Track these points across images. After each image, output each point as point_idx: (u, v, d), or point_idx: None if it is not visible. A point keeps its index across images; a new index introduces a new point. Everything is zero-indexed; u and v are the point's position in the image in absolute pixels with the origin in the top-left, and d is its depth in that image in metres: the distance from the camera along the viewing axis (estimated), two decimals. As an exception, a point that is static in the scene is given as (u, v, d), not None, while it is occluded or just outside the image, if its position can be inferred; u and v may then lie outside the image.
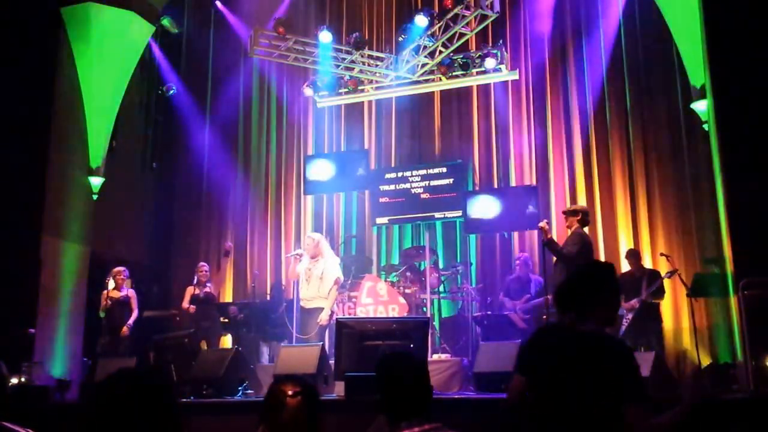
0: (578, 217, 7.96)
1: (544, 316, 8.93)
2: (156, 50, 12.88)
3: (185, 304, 10.18)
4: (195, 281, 10.32)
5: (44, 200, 10.04)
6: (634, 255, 9.52)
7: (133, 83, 11.80)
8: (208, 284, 10.43)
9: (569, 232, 8.09)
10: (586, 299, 3.20)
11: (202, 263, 10.62)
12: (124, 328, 9.80)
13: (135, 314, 9.99)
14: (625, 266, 9.77)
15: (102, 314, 9.87)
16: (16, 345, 8.90)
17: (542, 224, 7.96)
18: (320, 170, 11.71)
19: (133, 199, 12.66)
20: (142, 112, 13.06)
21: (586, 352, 3.02)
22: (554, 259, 7.98)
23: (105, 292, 9.93)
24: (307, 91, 12.20)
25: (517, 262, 10.20)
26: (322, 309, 8.63)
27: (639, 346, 8.82)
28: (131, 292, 10.09)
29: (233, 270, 12.88)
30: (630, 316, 8.93)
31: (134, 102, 12.54)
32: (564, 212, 8.35)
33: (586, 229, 8.19)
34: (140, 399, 2.01)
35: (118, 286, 9.99)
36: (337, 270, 8.90)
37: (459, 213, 10.74)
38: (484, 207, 10.49)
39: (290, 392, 2.58)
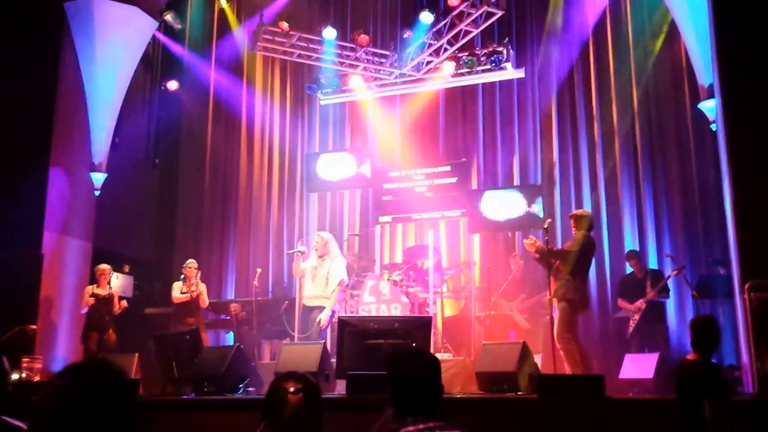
0: (582, 222, 7.91)
1: (547, 317, 8.87)
2: (159, 46, 12.84)
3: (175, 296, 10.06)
4: (182, 278, 10.10)
5: (46, 195, 10.00)
6: (635, 256, 9.47)
7: (135, 79, 11.76)
8: (195, 283, 10.18)
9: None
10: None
11: (190, 260, 10.35)
12: (122, 302, 9.89)
13: (117, 310, 9.95)
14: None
15: (83, 310, 9.86)
16: (17, 340, 8.86)
17: (528, 243, 7.90)
18: (323, 168, 11.68)
19: (136, 196, 12.62)
20: (145, 108, 13.02)
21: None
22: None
23: (90, 288, 9.87)
24: (311, 89, 12.17)
25: (515, 257, 10.14)
26: (323, 308, 8.59)
27: (645, 348, 8.77)
28: (113, 292, 9.99)
29: (236, 267, 12.84)
30: (636, 317, 8.87)
31: (137, 97, 12.50)
32: (570, 217, 8.30)
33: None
34: (88, 397, 1.91)
35: (102, 284, 9.90)
36: (342, 272, 8.86)
37: (463, 212, 10.70)
38: (488, 206, 10.44)
39: (292, 389, 2.55)
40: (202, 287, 10.14)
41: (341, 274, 8.79)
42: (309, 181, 12.03)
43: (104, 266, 10.00)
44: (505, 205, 10.33)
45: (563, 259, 7.63)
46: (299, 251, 9.10)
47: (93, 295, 9.79)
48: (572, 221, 8.06)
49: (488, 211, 10.42)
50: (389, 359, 3.00)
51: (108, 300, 9.84)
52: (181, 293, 9.93)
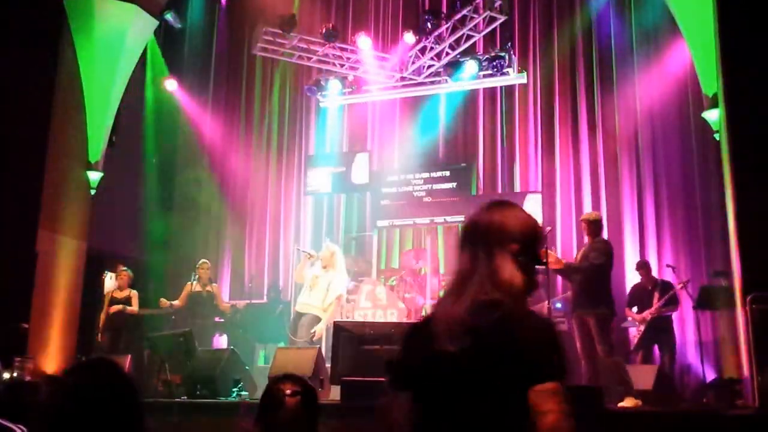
0: (596, 226, 7.77)
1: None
2: (158, 45, 12.77)
3: (179, 302, 10.01)
4: (196, 278, 10.10)
5: (42, 194, 9.91)
6: (644, 266, 9.34)
7: (134, 77, 11.68)
8: (212, 283, 10.27)
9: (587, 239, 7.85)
10: None
11: (204, 260, 10.40)
12: (123, 307, 9.89)
13: (134, 311, 9.99)
14: (630, 276, 9.67)
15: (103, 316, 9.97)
16: (9, 339, 8.78)
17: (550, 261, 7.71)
18: (321, 171, 11.63)
19: (132, 195, 12.53)
20: (143, 107, 12.94)
21: None
22: None
23: (108, 293, 9.97)
24: (311, 90, 12.12)
25: None
26: (315, 315, 8.48)
27: (651, 359, 8.69)
28: (133, 292, 10.10)
29: (231, 270, 12.75)
30: (641, 328, 8.79)
31: (135, 96, 12.42)
32: (583, 221, 8.09)
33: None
34: (94, 393, 1.93)
35: (122, 286, 10.03)
36: (343, 287, 8.79)
37: (462, 217, 10.63)
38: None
39: (289, 391, 2.50)
40: (215, 288, 10.32)
41: (341, 289, 8.71)
42: (306, 183, 12.03)
43: (122, 268, 10.23)
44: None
45: (592, 273, 7.42)
46: (308, 253, 9.03)
47: (112, 298, 9.89)
48: (585, 225, 7.83)
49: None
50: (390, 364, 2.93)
51: (124, 302, 9.93)
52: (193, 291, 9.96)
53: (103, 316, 10.03)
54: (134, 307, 10.04)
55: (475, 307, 1.93)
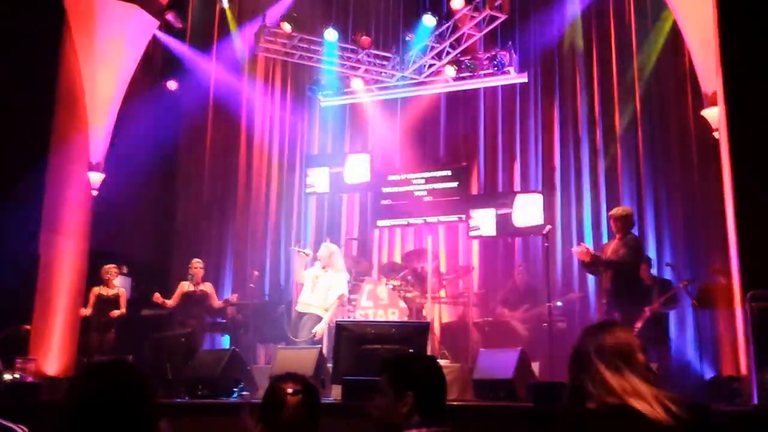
0: (626, 222, 7.74)
1: (545, 324, 8.79)
2: (159, 45, 12.77)
3: (172, 302, 10.00)
4: (190, 277, 10.10)
5: (43, 195, 9.93)
6: (647, 262, 9.34)
7: (135, 78, 11.68)
8: (204, 282, 10.25)
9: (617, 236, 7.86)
10: None
11: (196, 260, 10.39)
12: (116, 312, 9.87)
13: (121, 312, 9.98)
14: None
15: (84, 310, 9.96)
16: (11, 340, 8.80)
17: (580, 251, 7.68)
18: (322, 170, 11.64)
19: (134, 196, 12.52)
20: (144, 108, 12.94)
21: None
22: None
23: (96, 288, 9.96)
24: (312, 90, 12.13)
25: (520, 267, 10.07)
26: (317, 315, 8.50)
27: (647, 356, 8.66)
28: (121, 290, 10.08)
29: (233, 269, 12.77)
30: (639, 325, 8.77)
31: (136, 97, 12.41)
32: (611, 217, 8.06)
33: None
34: (112, 394, 1.95)
35: (108, 283, 9.99)
36: (344, 286, 8.80)
37: (462, 217, 10.65)
38: (488, 212, 10.40)
39: (290, 390, 2.54)
40: (209, 287, 10.24)
41: (342, 288, 8.72)
42: (307, 183, 12.03)
43: (109, 265, 10.12)
44: (505, 211, 10.31)
45: (622, 270, 7.40)
46: (305, 252, 9.06)
47: (98, 296, 9.85)
48: (613, 222, 7.76)
49: (487, 218, 10.40)
50: (397, 362, 2.98)
51: (111, 300, 9.90)
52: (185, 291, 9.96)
53: (87, 311, 9.99)
54: (122, 309, 10.02)
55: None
